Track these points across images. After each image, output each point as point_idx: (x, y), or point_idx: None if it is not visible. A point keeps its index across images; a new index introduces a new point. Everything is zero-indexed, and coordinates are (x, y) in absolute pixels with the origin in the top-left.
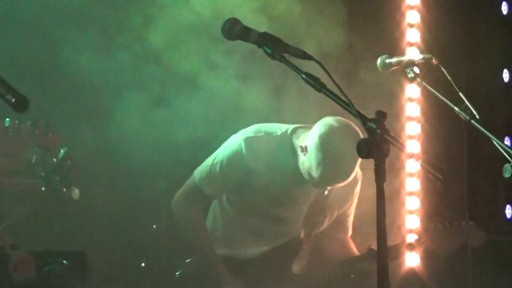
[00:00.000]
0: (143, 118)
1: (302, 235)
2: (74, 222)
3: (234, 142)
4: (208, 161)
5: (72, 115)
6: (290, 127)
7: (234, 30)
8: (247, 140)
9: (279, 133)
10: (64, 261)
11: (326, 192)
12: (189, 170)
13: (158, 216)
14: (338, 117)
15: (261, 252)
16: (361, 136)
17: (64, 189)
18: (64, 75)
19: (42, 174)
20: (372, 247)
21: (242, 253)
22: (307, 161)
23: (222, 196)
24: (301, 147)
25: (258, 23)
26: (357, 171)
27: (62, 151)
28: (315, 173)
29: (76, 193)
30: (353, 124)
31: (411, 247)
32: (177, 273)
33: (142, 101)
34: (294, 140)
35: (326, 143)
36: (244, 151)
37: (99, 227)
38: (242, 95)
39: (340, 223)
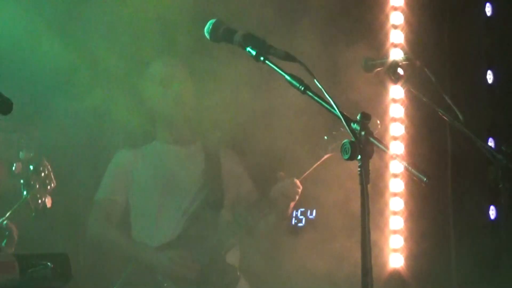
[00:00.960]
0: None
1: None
2: (56, 224)
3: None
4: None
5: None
6: None
7: (218, 32)
8: (118, 150)
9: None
10: (48, 264)
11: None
12: None
13: None
14: None
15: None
16: None
17: (42, 198)
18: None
19: (22, 181)
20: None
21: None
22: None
23: (125, 199)
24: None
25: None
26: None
27: (39, 159)
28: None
29: (49, 201)
30: None
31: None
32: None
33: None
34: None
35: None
36: (121, 153)
37: (82, 228)
38: None
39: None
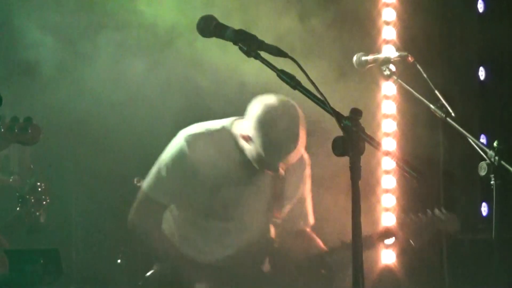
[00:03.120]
0: (121, 115)
1: (271, 232)
2: (49, 220)
3: (175, 144)
4: (153, 169)
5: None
6: (229, 119)
7: (210, 27)
8: (187, 138)
9: (219, 127)
10: (39, 259)
11: (282, 173)
12: None
13: None
14: (269, 95)
15: (226, 256)
16: (297, 109)
17: (36, 212)
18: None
19: (17, 194)
20: (342, 240)
21: (206, 258)
22: (254, 147)
23: (174, 203)
24: (242, 136)
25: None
26: (303, 154)
27: (36, 174)
28: (264, 154)
29: (43, 216)
30: (287, 98)
31: (386, 234)
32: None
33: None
34: (235, 131)
35: (264, 122)
36: (187, 150)
37: (75, 223)
38: None
39: (298, 210)
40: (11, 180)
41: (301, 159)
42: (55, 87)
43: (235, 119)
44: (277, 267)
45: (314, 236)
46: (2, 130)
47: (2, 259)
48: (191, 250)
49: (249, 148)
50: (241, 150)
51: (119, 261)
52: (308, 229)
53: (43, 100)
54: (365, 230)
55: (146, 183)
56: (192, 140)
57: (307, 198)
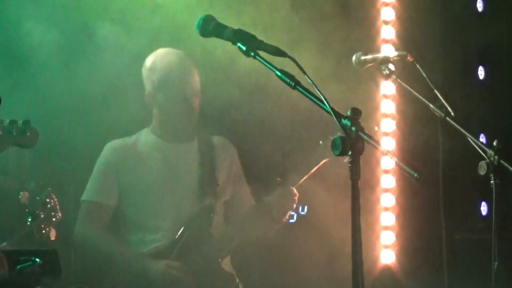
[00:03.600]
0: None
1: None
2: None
3: (99, 156)
4: (88, 183)
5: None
6: None
7: (209, 27)
8: (106, 146)
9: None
10: (37, 259)
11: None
12: None
13: None
14: None
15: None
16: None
17: (46, 228)
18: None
19: (27, 210)
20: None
21: (163, 240)
22: (156, 104)
23: (115, 206)
24: (147, 98)
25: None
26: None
27: (46, 190)
28: (162, 94)
29: (53, 233)
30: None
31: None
32: None
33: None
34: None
35: (153, 67)
36: (109, 151)
37: (72, 224)
38: None
39: (237, 181)
40: (20, 196)
41: (227, 146)
42: (53, 83)
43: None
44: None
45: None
46: (0, 133)
47: (0, 260)
48: (142, 244)
49: (155, 113)
50: (153, 131)
51: None
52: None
53: (40, 97)
54: (365, 231)
55: (85, 194)
56: (109, 144)
57: (242, 182)
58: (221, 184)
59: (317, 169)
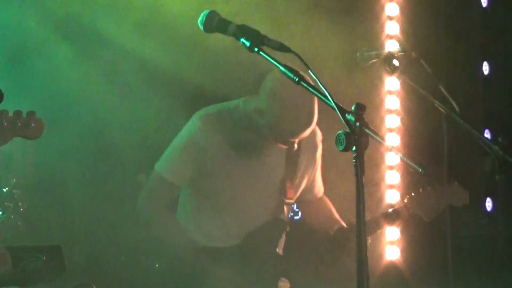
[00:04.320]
0: (126, 112)
1: (284, 214)
2: (52, 216)
3: (189, 126)
4: (168, 150)
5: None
6: (241, 99)
7: (212, 22)
8: (201, 118)
9: (231, 106)
10: (41, 256)
11: (296, 147)
12: None
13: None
14: None
15: (236, 242)
16: None
17: (18, 222)
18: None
19: None
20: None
21: (217, 244)
22: (267, 121)
23: (187, 185)
24: (255, 109)
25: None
26: (316, 131)
27: (11, 181)
28: (279, 128)
29: (23, 225)
30: None
31: (395, 214)
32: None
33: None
34: (247, 108)
35: (278, 94)
36: (201, 132)
37: (77, 221)
38: None
39: (312, 184)
40: None
41: (314, 136)
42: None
43: (246, 98)
44: (292, 249)
45: (326, 200)
46: (5, 124)
47: (5, 256)
48: (202, 237)
49: (262, 123)
50: (254, 128)
51: (122, 258)
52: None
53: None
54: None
55: (159, 166)
56: (204, 119)
57: (317, 172)
58: (297, 182)
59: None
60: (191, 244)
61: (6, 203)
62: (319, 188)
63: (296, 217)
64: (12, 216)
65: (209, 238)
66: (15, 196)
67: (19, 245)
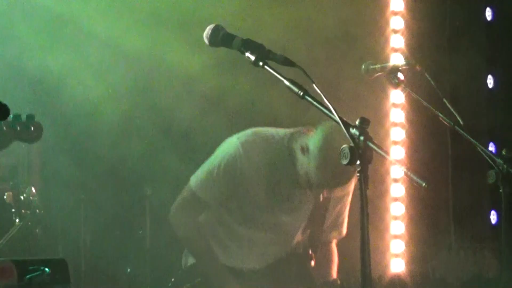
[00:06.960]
0: (130, 122)
1: (309, 249)
2: (58, 228)
3: (231, 147)
4: (204, 166)
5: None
6: (287, 131)
7: (217, 37)
8: (244, 144)
9: (276, 137)
10: (46, 269)
11: (320, 199)
12: (174, 175)
13: (144, 222)
14: None
15: (264, 265)
16: None
17: (36, 229)
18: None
19: (13, 210)
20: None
21: (244, 266)
22: (307, 162)
23: (218, 205)
24: (301, 147)
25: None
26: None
27: (28, 188)
28: (313, 175)
29: (39, 231)
30: None
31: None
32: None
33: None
34: (292, 144)
35: (329, 144)
36: (242, 156)
37: (84, 233)
38: None
39: (335, 221)
40: (5, 197)
41: (348, 190)
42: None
43: (293, 131)
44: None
45: (334, 253)
46: (4, 128)
47: (10, 269)
48: (222, 252)
49: (302, 161)
50: (293, 163)
51: (128, 270)
52: (335, 241)
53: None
54: (374, 240)
55: (194, 178)
56: (248, 147)
57: (344, 211)
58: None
59: None
60: (211, 254)
61: (23, 211)
62: (344, 226)
63: None
64: (29, 224)
65: (228, 254)
66: (33, 204)
67: (24, 258)
